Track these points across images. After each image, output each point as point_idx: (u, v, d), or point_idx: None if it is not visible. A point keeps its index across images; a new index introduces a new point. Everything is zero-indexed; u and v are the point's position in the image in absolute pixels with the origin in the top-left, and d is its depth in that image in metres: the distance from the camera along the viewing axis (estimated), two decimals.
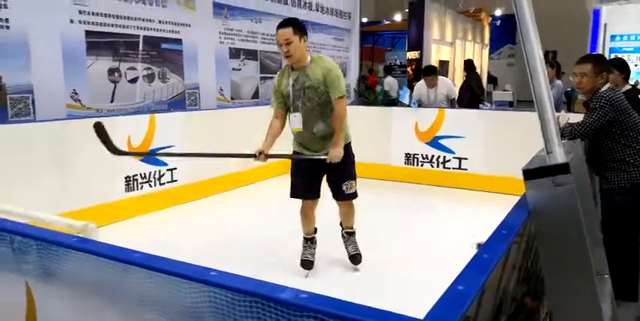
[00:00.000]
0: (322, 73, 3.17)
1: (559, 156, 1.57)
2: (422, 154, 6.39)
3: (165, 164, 5.12)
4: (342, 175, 3.36)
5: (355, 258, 3.55)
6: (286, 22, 3.18)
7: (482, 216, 5.05)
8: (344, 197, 3.41)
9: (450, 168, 6.25)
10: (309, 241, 3.58)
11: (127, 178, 4.75)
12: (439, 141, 6.27)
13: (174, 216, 4.90)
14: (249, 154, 3.25)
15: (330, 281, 3.43)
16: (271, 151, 3.26)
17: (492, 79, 17.54)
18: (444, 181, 6.21)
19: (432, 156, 6.33)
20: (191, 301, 0.95)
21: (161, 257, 1.07)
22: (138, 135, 4.81)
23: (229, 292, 0.90)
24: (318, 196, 3.47)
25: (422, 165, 6.40)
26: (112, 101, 5.18)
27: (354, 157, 3.45)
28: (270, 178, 6.31)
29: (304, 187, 3.42)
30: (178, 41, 5.91)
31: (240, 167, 5.95)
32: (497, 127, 5.92)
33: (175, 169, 5.22)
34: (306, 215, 3.52)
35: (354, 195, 3.45)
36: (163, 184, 5.12)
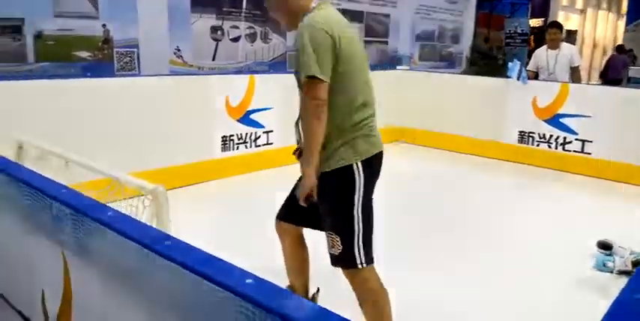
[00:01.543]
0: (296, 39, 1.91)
1: None
2: (538, 133, 5.72)
3: (263, 126, 5.00)
4: (324, 220, 1.98)
5: None
6: None
7: (606, 210, 4.48)
8: (332, 261, 1.98)
9: (570, 151, 5.54)
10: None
11: (224, 138, 4.69)
12: (560, 120, 5.55)
13: (265, 179, 4.80)
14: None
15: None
16: None
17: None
18: (561, 165, 5.53)
19: (551, 136, 5.64)
20: (213, 307, 0.70)
21: (191, 248, 0.83)
22: (236, 96, 4.70)
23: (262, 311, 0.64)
24: (299, 224, 2.22)
25: (537, 145, 5.74)
26: (213, 59, 5.12)
27: (359, 190, 1.91)
28: None
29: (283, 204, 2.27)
30: None
31: None
32: (631, 108, 5.10)
33: (272, 131, 5.09)
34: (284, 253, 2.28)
35: (346, 261, 1.92)
36: (259, 146, 5.02)
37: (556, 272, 3.12)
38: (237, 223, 3.68)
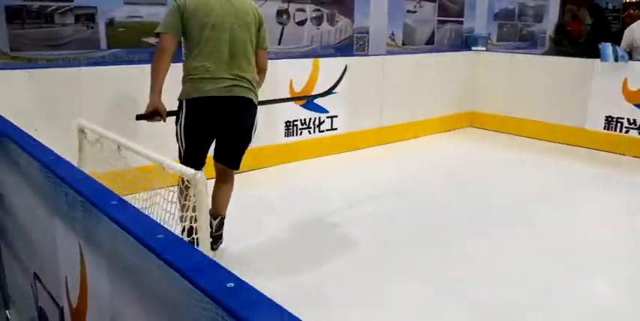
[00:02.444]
0: None
1: None
2: (628, 119, 5.21)
3: (327, 111, 4.92)
4: None
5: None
6: None
7: None
8: None
9: None
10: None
11: (287, 124, 4.67)
12: None
13: (329, 164, 4.74)
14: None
15: None
16: None
17: None
18: None
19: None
20: (190, 308, 0.64)
21: (181, 243, 0.76)
22: (300, 80, 4.65)
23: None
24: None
25: (627, 132, 5.24)
26: (279, 44, 5.09)
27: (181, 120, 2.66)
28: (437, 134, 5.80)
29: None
30: None
31: (405, 118, 5.53)
32: None
33: (336, 116, 5.00)
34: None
35: None
36: (323, 131, 4.95)
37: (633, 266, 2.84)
38: (293, 209, 3.66)
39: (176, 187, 1.87)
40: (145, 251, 0.75)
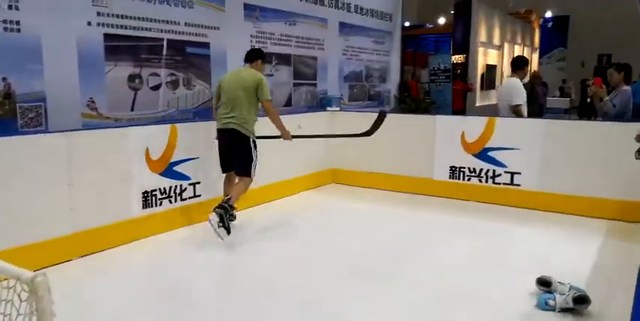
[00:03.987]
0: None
1: None
2: (469, 168, 5.77)
3: (189, 178, 4.71)
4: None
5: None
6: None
7: (541, 242, 4.49)
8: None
9: (500, 183, 5.60)
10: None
11: (145, 194, 4.35)
12: (489, 153, 5.64)
13: (195, 235, 4.47)
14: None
15: None
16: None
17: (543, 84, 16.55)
18: (493, 198, 5.58)
19: (481, 170, 5.70)
20: None
21: None
22: (157, 147, 4.41)
23: None
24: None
25: (469, 180, 5.78)
26: (132, 109, 4.83)
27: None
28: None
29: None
30: (205, 45, 5.53)
31: (271, 179, 5.50)
32: (558, 139, 5.26)
33: (199, 183, 4.80)
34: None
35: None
36: (185, 199, 4.70)
37: (501, 313, 3.01)
38: (151, 293, 3.34)
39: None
40: None
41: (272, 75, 6.44)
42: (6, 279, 1.54)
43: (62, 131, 3.87)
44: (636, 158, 3.26)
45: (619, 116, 5.39)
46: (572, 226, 4.77)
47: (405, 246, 4.24)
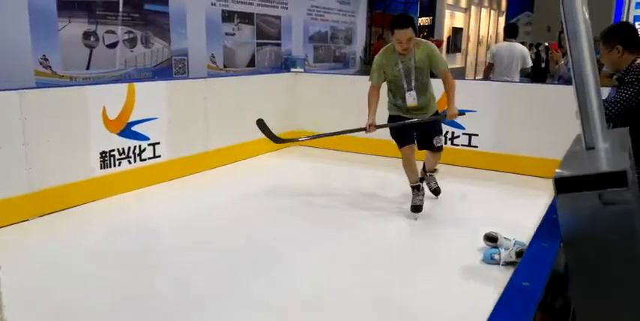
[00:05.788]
0: (427, 55, 3.82)
1: (604, 155, 1.11)
2: None
3: (147, 138, 4.67)
4: (435, 130, 4.07)
5: (437, 191, 4.46)
6: (406, 23, 3.67)
7: (492, 200, 4.67)
8: (435, 149, 4.13)
9: (458, 145, 5.75)
10: (416, 189, 4.04)
11: (103, 154, 4.31)
12: None
13: (154, 195, 4.49)
14: (361, 128, 3.91)
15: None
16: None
17: None
18: (452, 159, 5.73)
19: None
20: None
21: None
22: (114, 107, 4.35)
23: None
24: (414, 143, 4.09)
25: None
26: (87, 68, 4.71)
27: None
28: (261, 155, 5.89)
29: (407, 137, 3.98)
30: (164, 2, 5.37)
31: (231, 141, 5.49)
32: (512, 102, 5.40)
33: (158, 143, 4.78)
34: (409, 163, 3.99)
35: (442, 147, 4.19)
36: (145, 160, 4.69)
37: (446, 266, 3.18)
38: (116, 249, 3.38)
39: None
40: None
41: (234, 34, 6.33)
42: None
43: (15, 89, 3.77)
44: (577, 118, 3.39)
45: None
46: (520, 186, 4.98)
47: (358, 203, 4.36)
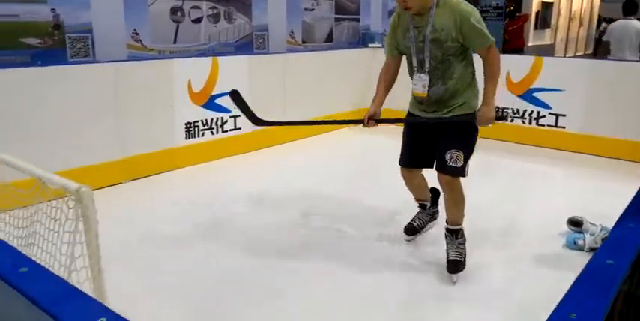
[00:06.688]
0: (454, 20, 2.43)
1: None
2: (512, 109, 5.63)
3: (229, 111, 4.83)
4: (451, 141, 2.61)
5: (455, 266, 2.68)
6: None
7: (580, 184, 4.43)
8: (443, 169, 2.61)
9: (544, 125, 5.48)
10: (421, 207, 3.19)
11: (188, 125, 4.52)
12: (533, 94, 5.48)
13: (234, 167, 4.66)
14: (357, 121, 2.78)
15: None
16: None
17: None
18: (536, 140, 5.47)
19: (525, 111, 5.56)
20: None
21: (48, 275, 0.70)
22: (199, 79, 4.52)
23: None
24: (420, 167, 2.87)
25: (512, 121, 5.67)
26: (174, 42, 4.91)
27: (476, 129, 2.67)
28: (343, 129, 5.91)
29: (408, 152, 2.86)
30: None
31: (308, 115, 5.55)
32: (603, 81, 5.03)
33: (239, 116, 4.93)
34: (409, 184, 3.00)
35: (458, 170, 2.59)
36: (226, 131, 4.86)
37: (527, 251, 3.07)
38: (198, 216, 3.55)
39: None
40: (7, 287, 0.68)
41: (313, 10, 6.33)
42: (55, 199, 1.70)
43: (110, 61, 4.04)
44: None
45: None
46: (613, 170, 4.68)
47: None
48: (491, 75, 2.53)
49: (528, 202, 3.91)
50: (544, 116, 5.45)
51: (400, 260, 2.94)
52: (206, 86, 4.59)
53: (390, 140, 5.73)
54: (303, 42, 6.24)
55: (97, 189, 3.64)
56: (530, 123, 5.54)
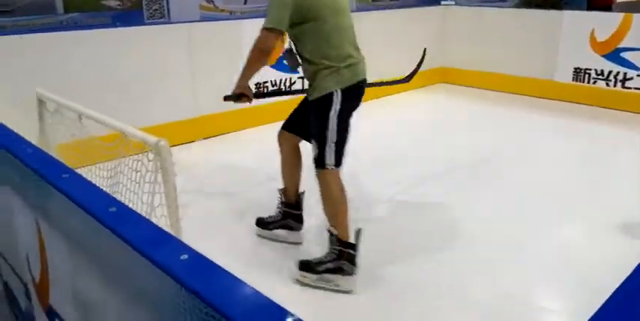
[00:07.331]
0: None
1: None
2: (596, 70, 5.27)
3: (297, 71, 4.82)
4: (311, 128, 2.33)
5: (307, 266, 2.28)
6: None
7: None
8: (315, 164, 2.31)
9: (630, 88, 5.10)
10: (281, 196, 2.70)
11: (257, 85, 4.59)
12: (621, 54, 5.08)
13: None
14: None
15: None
16: None
17: None
18: (621, 104, 5.12)
19: (610, 72, 5.19)
20: (144, 280, 0.64)
21: (138, 217, 0.76)
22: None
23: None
24: (294, 133, 2.52)
25: (594, 82, 5.31)
26: (245, 3, 4.94)
27: (335, 112, 2.24)
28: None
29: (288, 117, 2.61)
30: None
31: (377, 76, 5.46)
32: None
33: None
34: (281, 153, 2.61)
35: (319, 162, 2.26)
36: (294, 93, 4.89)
37: (605, 213, 2.95)
38: None
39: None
40: (97, 225, 0.75)
41: None
42: (136, 154, 1.80)
43: (183, 22, 4.14)
44: None
45: None
46: None
47: (516, 148, 4.14)
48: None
49: (613, 167, 3.71)
50: (631, 78, 5.06)
51: None
52: None
53: (448, 100, 5.54)
54: (373, 0, 6.07)
55: (173, 146, 3.84)
56: (615, 85, 5.17)
